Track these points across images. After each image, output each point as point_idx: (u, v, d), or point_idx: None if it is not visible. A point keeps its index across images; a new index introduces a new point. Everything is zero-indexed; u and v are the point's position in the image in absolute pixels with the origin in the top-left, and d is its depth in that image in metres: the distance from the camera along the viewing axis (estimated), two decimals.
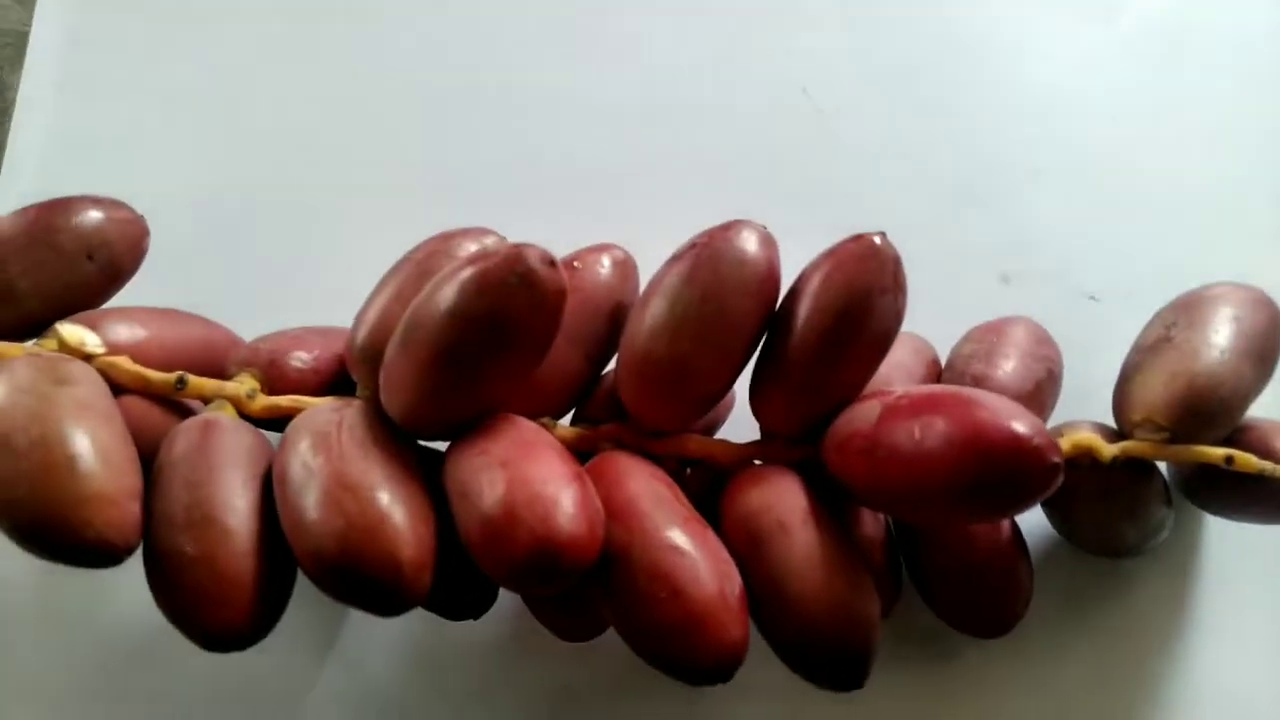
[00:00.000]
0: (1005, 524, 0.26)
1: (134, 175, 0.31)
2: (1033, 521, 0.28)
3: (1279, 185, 0.34)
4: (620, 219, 0.29)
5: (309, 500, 0.21)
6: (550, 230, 0.25)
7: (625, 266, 0.27)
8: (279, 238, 0.33)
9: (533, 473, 0.21)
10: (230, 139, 0.35)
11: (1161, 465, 0.27)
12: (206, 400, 0.25)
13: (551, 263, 0.22)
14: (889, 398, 0.23)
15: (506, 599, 0.26)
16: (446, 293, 0.22)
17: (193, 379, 0.25)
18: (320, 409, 0.23)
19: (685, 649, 0.21)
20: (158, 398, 0.25)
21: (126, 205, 0.27)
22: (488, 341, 0.22)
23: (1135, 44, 0.36)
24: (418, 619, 0.28)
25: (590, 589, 0.24)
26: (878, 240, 0.24)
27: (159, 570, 0.22)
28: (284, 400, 0.25)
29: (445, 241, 0.27)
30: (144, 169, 0.34)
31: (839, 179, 0.34)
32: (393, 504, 0.21)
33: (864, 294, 0.23)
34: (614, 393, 0.26)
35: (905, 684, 0.28)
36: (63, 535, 0.20)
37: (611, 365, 0.26)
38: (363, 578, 0.20)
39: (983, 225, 0.34)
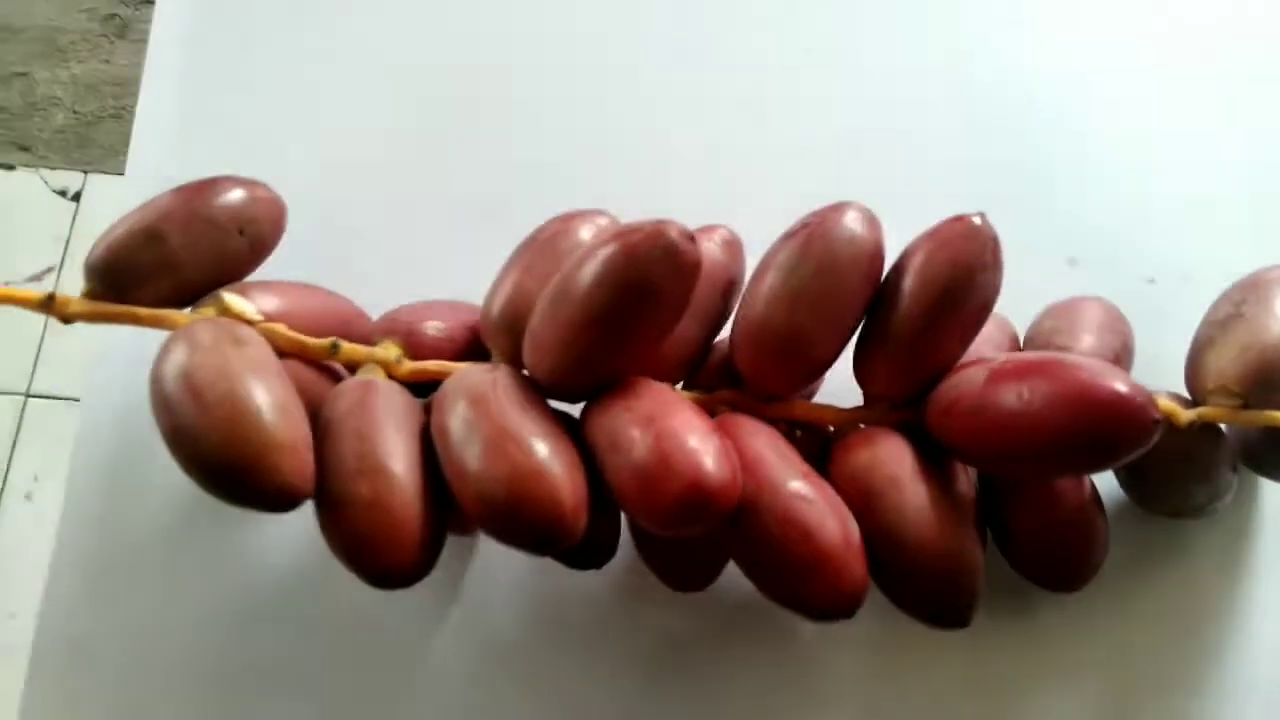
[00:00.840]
0: (1087, 483, 0.28)
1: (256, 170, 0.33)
2: (1099, 484, 0.30)
3: None
4: (718, 206, 0.31)
5: (472, 451, 0.23)
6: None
7: (734, 246, 0.29)
8: (397, 233, 0.35)
9: (679, 426, 0.23)
10: (348, 135, 0.37)
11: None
12: (354, 366, 0.27)
13: (690, 237, 0.24)
14: (993, 364, 0.25)
15: (622, 551, 0.28)
16: (595, 263, 0.24)
17: (345, 345, 0.27)
18: (470, 371, 0.26)
19: (814, 587, 0.23)
20: (311, 361, 0.27)
21: (266, 185, 0.29)
22: (633, 307, 0.24)
23: (1191, 35, 0.39)
24: (537, 569, 0.31)
25: (709, 543, 0.26)
26: (978, 220, 0.26)
27: (332, 514, 0.24)
28: (430, 365, 0.27)
29: (565, 223, 0.29)
30: (265, 165, 0.36)
31: (916, 168, 0.36)
32: (551, 453, 0.23)
33: (966, 270, 0.25)
34: (725, 362, 0.28)
35: (986, 637, 0.30)
36: (253, 480, 0.22)
37: (721, 336, 0.29)
38: (528, 519, 0.22)
39: (1051, 213, 0.36)
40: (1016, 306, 0.31)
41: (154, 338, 0.25)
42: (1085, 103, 0.38)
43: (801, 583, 0.23)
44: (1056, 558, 0.29)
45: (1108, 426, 0.23)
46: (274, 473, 0.22)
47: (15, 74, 0.92)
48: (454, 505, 0.24)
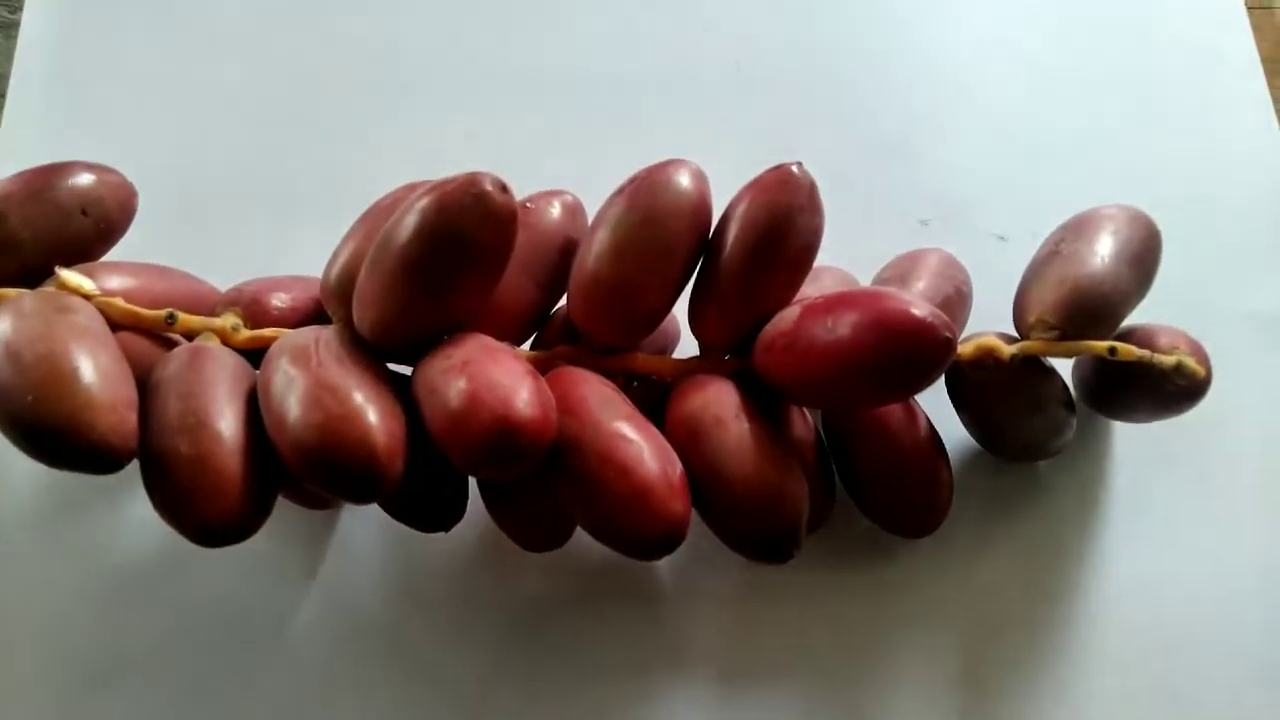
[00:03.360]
0: (922, 424, 0.29)
1: (119, 156, 0.33)
2: (955, 435, 0.31)
3: (1176, 126, 0.38)
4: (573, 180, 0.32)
5: (291, 402, 0.23)
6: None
7: (575, 209, 0.29)
8: (260, 213, 0.36)
9: (493, 370, 0.24)
10: (211, 117, 0.37)
11: (1067, 377, 0.30)
12: (194, 336, 0.27)
13: (503, 187, 0.24)
14: (807, 301, 0.26)
15: (476, 519, 0.29)
16: (410, 216, 0.24)
17: (182, 315, 0.27)
18: (298, 332, 0.26)
19: (633, 522, 0.24)
20: (149, 333, 0.27)
21: (116, 170, 0.30)
22: (447, 256, 0.24)
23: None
24: (393, 544, 0.31)
25: (555, 500, 0.27)
26: (795, 168, 0.27)
27: (155, 471, 0.24)
28: (266, 332, 0.27)
29: (409, 190, 0.29)
30: (129, 149, 0.36)
31: (772, 138, 0.37)
32: (366, 401, 0.23)
33: (784, 213, 0.26)
34: (568, 320, 0.28)
35: (846, 586, 0.31)
36: (67, 439, 0.23)
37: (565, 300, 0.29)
38: (341, 464, 0.23)
39: (903, 176, 0.37)
40: (871, 268, 0.33)
41: None
42: (941, 65, 0.39)
43: (622, 518, 0.24)
44: (900, 501, 0.29)
45: (903, 347, 0.24)
46: (90, 431, 0.23)
47: None
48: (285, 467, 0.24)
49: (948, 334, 0.23)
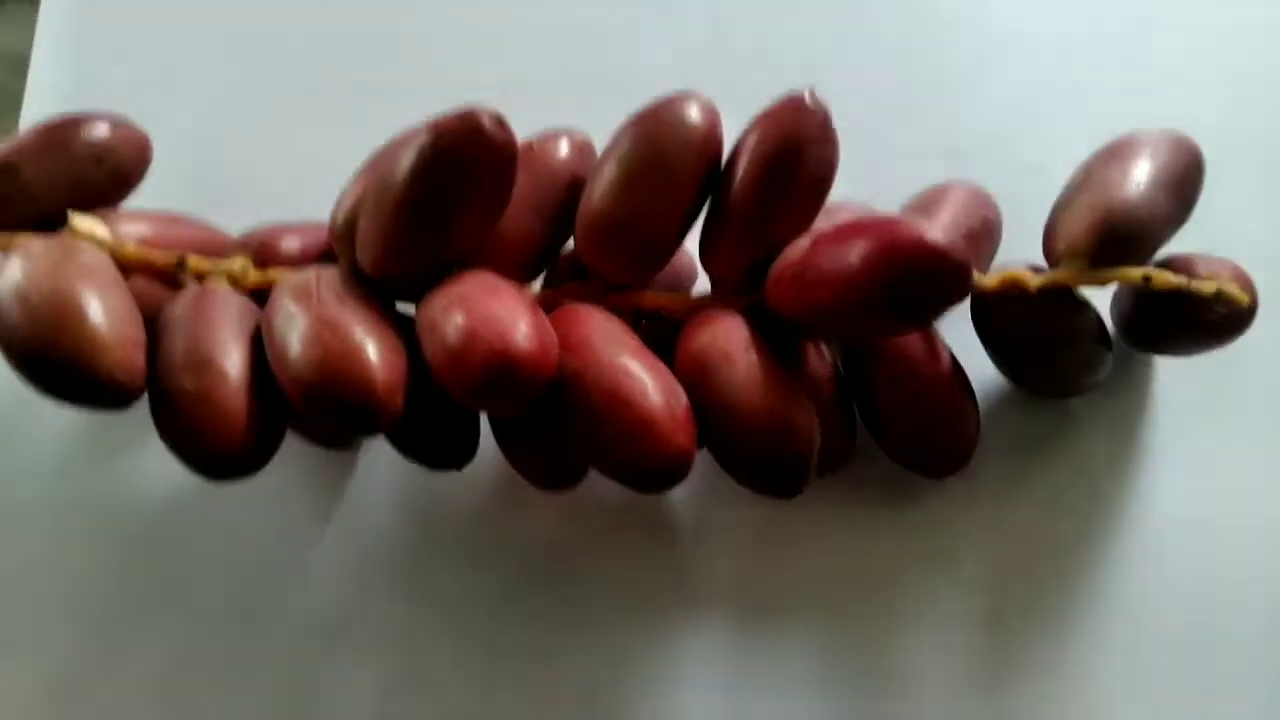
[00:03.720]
0: (945, 359, 0.28)
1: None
2: (986, 373, 0.30)
3: (1234, 61, 0.36)
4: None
5: (291, 338, 0.23)
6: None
7: (584, 147, 0.29)
8: (280, 193, 0.35)
9: (491, 304, 0.23)
10: (234, 97, 0.37)
11: (1104, 311, 0.29)
12: (204, 279, 0.27)
13: (500, 121, 0.24)
14: (819, 231, 0.25)
15: (492, 459, 0.29)
16: (407, 152, 0.24)
17: (193, 259, 0.27)
18: (301, 271, 0.26)
19: (636, 454, 0.23)
20: (162, 277, 0.27)
21: (130, 121, 0.30)
22: (445, 190, 0.24)
23: None
24: (410, 486, 0.31)
25: (558, 435, 0.26)
26: (807, 96, 0.26)
27: (162, 408, 0.24)
28: (273, 273, 0.27)
29: (415, 132, 0.29)
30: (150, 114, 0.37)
31: (800, 72, 0.36)
32: (365, 336, 0.23)
33: (795, 142, 0.25)
34: (576, 258, 0.28)
35: (868, 526, 0.30)
36: (75, 374, 0.23)
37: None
38: (340, 398, 0.23)
39: (936, 110, 0.36)
40: (898, 202, 0.31)
41: None
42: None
43: (625, 450, 0.23)
44: (923, 438, 0.28)
45: (914, 273, 0.23)
46: (97, 367, 0.23)
47: None
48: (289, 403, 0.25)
49: (961, 258, 0.22)
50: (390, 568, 0.30)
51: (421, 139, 0.24)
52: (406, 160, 0.24)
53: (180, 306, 0.25)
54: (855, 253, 0.23)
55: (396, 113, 0.29)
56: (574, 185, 0.28)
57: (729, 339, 0.25)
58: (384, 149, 0.29)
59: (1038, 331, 0.27)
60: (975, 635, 0.29)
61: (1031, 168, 0.34)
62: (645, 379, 0.24)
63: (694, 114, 0.26)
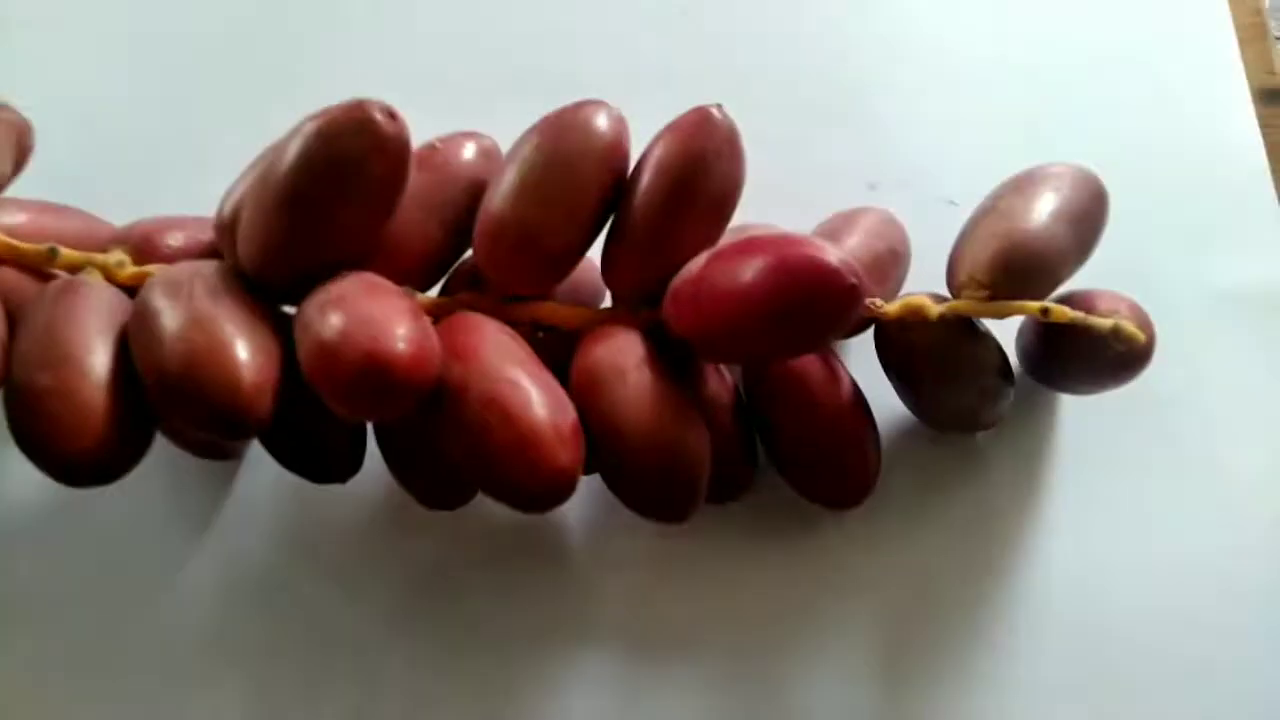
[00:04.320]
0: (845, 386, 0.27)
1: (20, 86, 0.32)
2: (886, 405, 0.29)
3: (1139, 95, 0.37)
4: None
5: (158, 334, 0.22)
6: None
7: (490, 152, 0.28)
8: (178, 166, 0.34)
9: (369, 305, 0.22)
10: (119, 48, 0.36)
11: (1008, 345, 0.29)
12: (76, 271, 0.26)
13: (391, 114, 0.23)
14: (717, 248, 0.25)
15: (380, 476, 0.27)
16: (293, 144, 0.23)
17: (65, 250, 0.26)
18: (177, 266, 0.25)
19: (515, 472, 0.22)
20: (31, 269, 0.26)
21: (10, 106, 0.28)
22: (329, 186, 0.23)
23: None
24: (292, 500, 0.30)
25: (442, 447, 0.25)
26: (714, 110, 0.25)
27: (16, 405, 0.23)
28: (150, 268, 0.26)
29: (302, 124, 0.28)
30: (33, 78, 0.35)
31: (714, 91, 0.36)
32: (235, 335, 0.22)
33: (700, 157, 0.25)
34: (475, 267, 0.27)
35: (767, 557, 0.29)
36: None
37: None
38: (205, 398, 0.21)
39: (850, 141, 0.36)
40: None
41: None
42: (897, 24, 0.38)
43: (506, 468, 0.22)
44: (823, 468, 0.28)
45: (806, 292, 0.22)
46: None
47: None
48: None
49: (853, 280, 0.22)
50: (266, 584, 0.29)
51: (307, 128, 0.23)
52: (290, 151, 0.23)
53: (44, 299, 0.24)
54: (750, 270, 0.23)
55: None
56: (474, 189, 0.27)
57: (623, 354, 0.25)
58: (275, 143, 0.28)
59: (937, 360, 0.27)
60: (875, 676, 0.28)
61: (949, 199, 0.34)
62: (531, 391, 0.23)
63: (601, 122, 0.26)
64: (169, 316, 0.22)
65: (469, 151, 0.28)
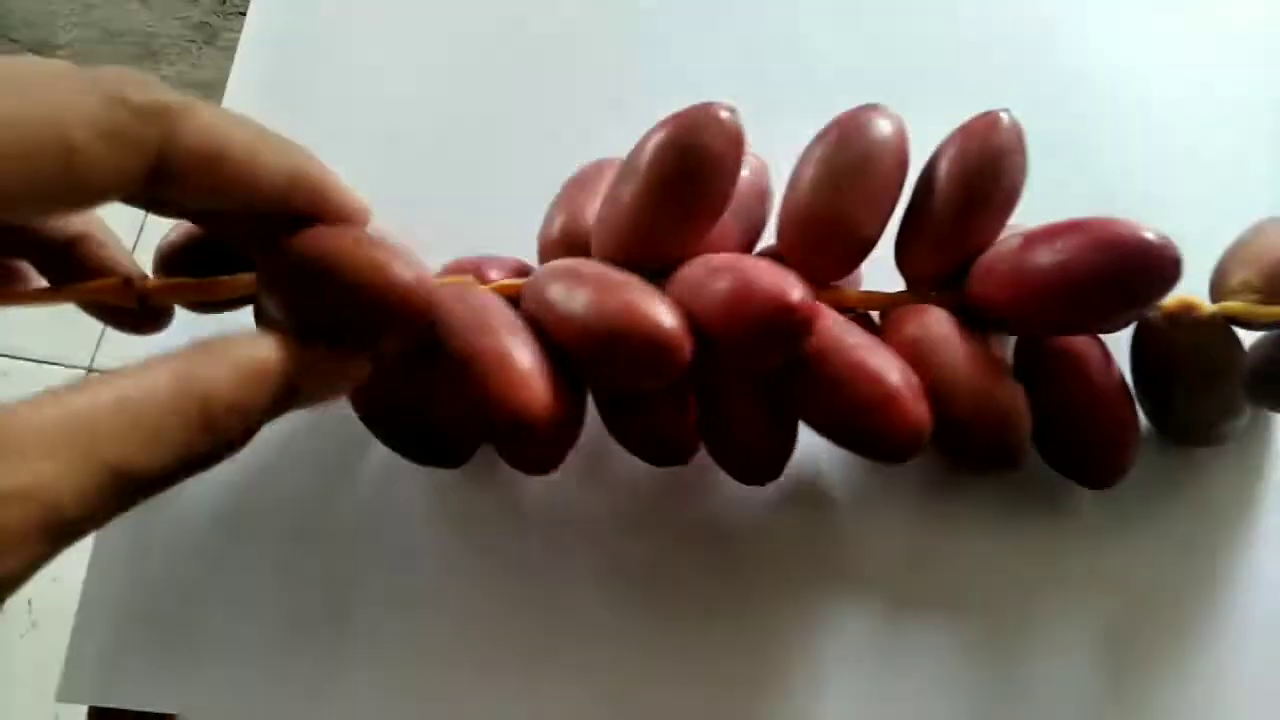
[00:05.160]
0: (1117, 372, 0.29)
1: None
2: None
3: None
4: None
5: (574, 302, 0.25)
6: None
7: (762, 166, 0.31)
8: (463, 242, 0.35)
9: (757, 266, 0.25)
10: (422, 131, 0.38)
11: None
12: None
13: (733, 111, 0.26)
14: (1027, 231, 0.27)
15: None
16: (652, 141, 0.26)
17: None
18: (547, 266, 0.28)
19: (879, 425, 0.25)
20: None
21: None
22: (691, 172, 0.26)
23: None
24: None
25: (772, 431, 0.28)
26: (1003, 115, 0.28)
27: (461, 371, 0.25)
28: (506, 281, 0.29)
29: (598, 165, 0.31)
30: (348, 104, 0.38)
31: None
32: (646, 292, 0.25)
33: (996, 152, 0.28)
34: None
35: (1016, 536, 0.31)
36: None
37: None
38: (633, 347, 0.24)
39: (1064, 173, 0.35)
40: None
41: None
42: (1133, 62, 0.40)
43: (866, 420, 0.25)
44: (1090, 445, 0.29)
45: (1134, 264, 0.25)
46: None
47: None
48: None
49: (1177, 255, 0.25)
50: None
51: (664, 130, 0.26)
52: (649, 148, 0.26)
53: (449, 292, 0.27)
54: (1074, 248, 0.26)
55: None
56: (763, 198, 0.30)
57: (940, 326, 0.27)
58: (575, 180, 0.31)
59: (1202, 360, 0.29)
60: (1098, 653, 0.30)
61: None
62: (884, 355, 0.25)
63: (886, 123, 0.28)
64: (580, 287, 0.25)
65: (751, 163, 0.31)
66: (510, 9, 0.41)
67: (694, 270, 0.26)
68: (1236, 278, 0.28)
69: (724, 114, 0.26)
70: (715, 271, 0.25)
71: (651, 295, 0.24)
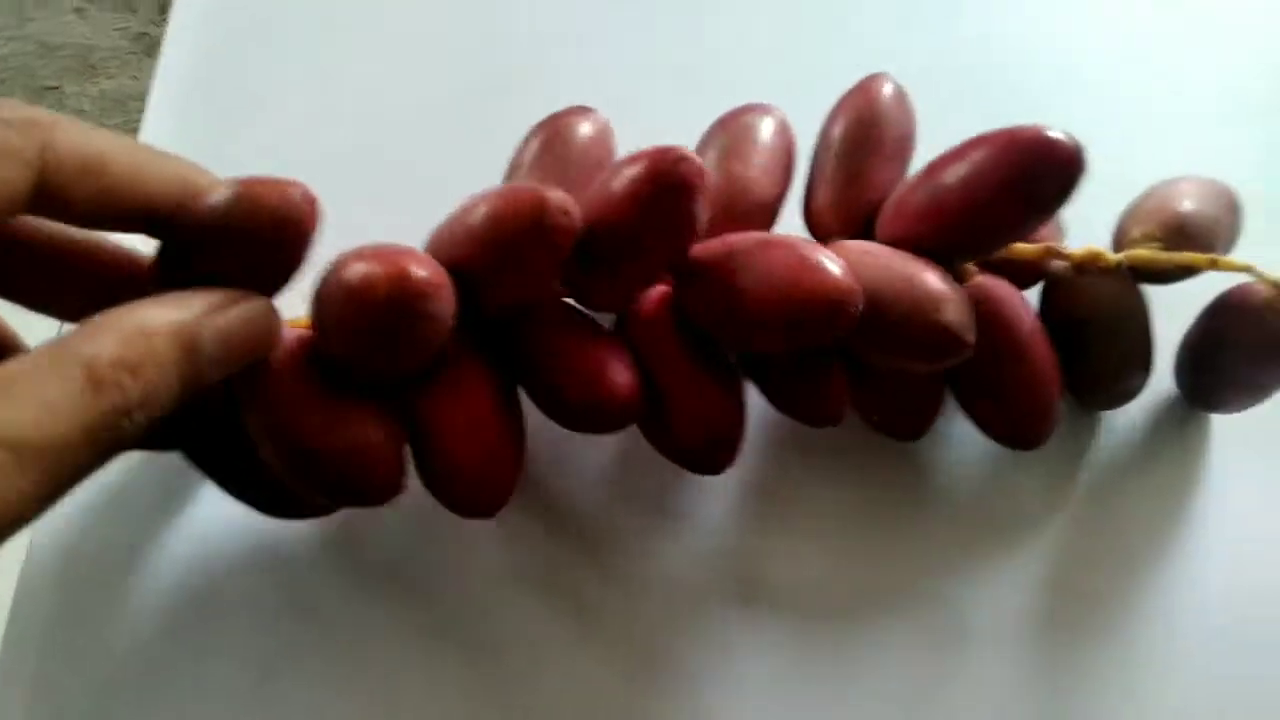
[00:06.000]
0: (1037, 321, 0.28)
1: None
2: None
3: None
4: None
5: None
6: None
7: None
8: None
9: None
10: (357, 142, 0.37)
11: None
12: None
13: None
14: (926, 166, 0.27)
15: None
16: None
17: None
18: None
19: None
20: None
21: None
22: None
23: None
24: None
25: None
26: (885, 76, 0.29)
27: None
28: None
29: (554, 121, 0.30)
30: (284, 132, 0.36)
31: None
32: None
33: (881, 106, 0.29)
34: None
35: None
36: None
37: None
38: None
39: None
40: None
41: None
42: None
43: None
44: (1012, 408, 0.28)
45: (1038, 159, 0.24)
46: None
47: (47, 88, 0.95)
48: None
49: (1078, 146, 0.24)
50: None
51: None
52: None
53: None
54: (978, 158, 0.25)
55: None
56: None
57: None
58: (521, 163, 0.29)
59: (1108, 309, 0.28)
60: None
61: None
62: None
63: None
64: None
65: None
66: (446, 11, 0.40)
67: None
68: (1137, 230, 0.29)
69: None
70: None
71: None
